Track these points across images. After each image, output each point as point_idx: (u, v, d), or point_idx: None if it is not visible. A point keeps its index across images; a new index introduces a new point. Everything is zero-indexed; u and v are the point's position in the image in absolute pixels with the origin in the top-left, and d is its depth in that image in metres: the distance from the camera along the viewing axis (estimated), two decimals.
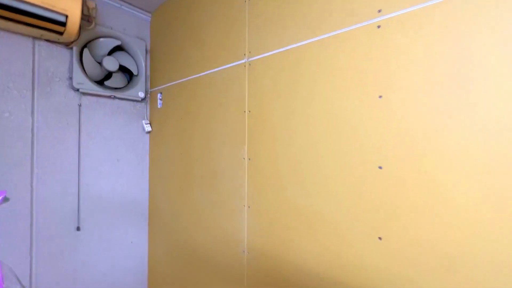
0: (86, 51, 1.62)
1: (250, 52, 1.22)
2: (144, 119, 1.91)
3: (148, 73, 1.94)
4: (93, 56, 1.65)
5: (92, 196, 1.66)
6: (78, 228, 1.60)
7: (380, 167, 0.81)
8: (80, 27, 1.53)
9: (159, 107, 1.85)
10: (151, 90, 1.93)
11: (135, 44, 1.83)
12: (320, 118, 0.97)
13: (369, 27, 0.84)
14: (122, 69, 1.81)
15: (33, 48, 1.47)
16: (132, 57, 1.85)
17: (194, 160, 1.52)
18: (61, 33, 1.42)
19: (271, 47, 1.13)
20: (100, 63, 1.70)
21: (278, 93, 1.11)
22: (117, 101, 1.79)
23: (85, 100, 1.65)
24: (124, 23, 1.82)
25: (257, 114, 1.19)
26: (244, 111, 1.24)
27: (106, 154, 1.73)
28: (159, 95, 1.85)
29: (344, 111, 0.90)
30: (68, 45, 1.55)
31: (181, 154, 1.62)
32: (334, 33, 0.92)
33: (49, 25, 1.35)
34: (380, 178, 0.81)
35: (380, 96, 0.82)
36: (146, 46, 1.90)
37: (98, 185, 1.69)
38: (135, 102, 1.88)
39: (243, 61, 1.25)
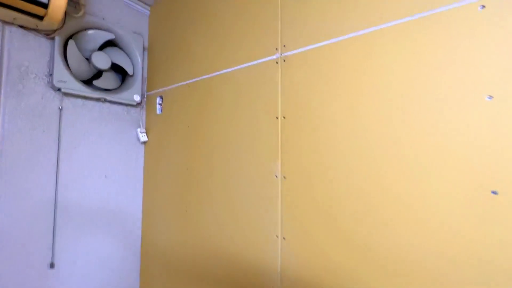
0: (71, 44, 1.33)
1: (284, 46, 1.00)
2: (139, 127, 1.62)
3: (145, 73, 1.67)
4: (80, 50, 1.37)
5: (72, 223, 1.32)
6: (51, 265, 1.25)
7: (494, 192, 0.60)
8: (66, 14, 1.25)
9: (158, 113, 1.57)
10: (148, 93, 1.65)
11: (131, 40, 1.56)
12: (394, 126, 0.75)
13: (470, 8, 0.65)
14: (115, 68, 1.53)
15: (2, 35, 1.17)
16: (126, 54, 1.58)
17: (206, 178, 1.24)
18: (40, 18, 1.13)
19: (315, 39, 0.92)
20: (88, 59, 1.41)
21: (324, 95, 0.89)
22: (107, 105, 1.49)
23: (68, 102, 1.34)
24: (119, 15, 1.55)
25: (295, 120, 0.95)
26: (277, 117, 1.00)
27: (91, 169, 1.41)
28: (158, 99, 1.57)
29: (437, 115, 0.69)
30: (49, 34, 1.25)
31: (187, 169, 1.34)
32: (423, 14, 0.71)
33: (26, 5, 1.06)
34: (495, 206, 0.59)
35: (490, 97, 0.61)
36: (143, 42, 1.63)
37: (80, 209, 1.35)
38: (129, 107, 1.58)
39: (274, 56, 1.03)
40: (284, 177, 0.97)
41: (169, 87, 1.50)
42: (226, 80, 1.19)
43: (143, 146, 1.64)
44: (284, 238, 0.95)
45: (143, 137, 1.60)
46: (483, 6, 0.63)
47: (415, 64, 0.73)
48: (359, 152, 0.80)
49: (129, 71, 1.55)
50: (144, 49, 1.65)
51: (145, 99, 1.66)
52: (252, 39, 1.10)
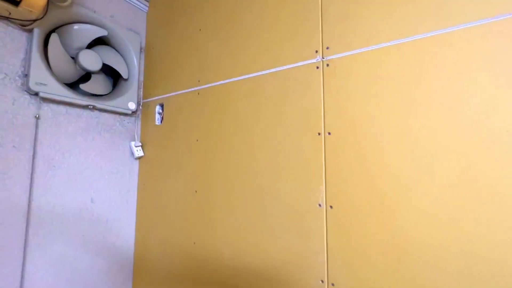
0: (54, 38, 1.08)
1: (328, 47, 0.84)
2: (133, 139, 1.38)
3: (142, 78, 1.44)
4: (64, 47, 1.12)
5: (47, 263, 1.04)
6: None
7: None
8: (49, 1, 1.01)
9: (157, 123, 1.34)
10: (145, 100, 1.41)
11: (126, 38, 1.34)
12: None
13: None
14: (106, 70, 1.29)
15: None
16: (120, 54, 1.35)
17: (222, 204, 1.03)
18: (15, 3, 0.89)
19: (369, 40, 0.76)
20: (74, 59, 1.17)
21: (380, 107, 0.73)
22: (96, 113, 1.24)
23: (47, 110, 1.08)
24: (113, 8, 1.33)
25: (343, 137, 0.78)
26: (319, 133, 0.83)
27: (74, 192, 1.14)
28: (158, 107, 1.35)
29: None
30: (26, 25, 1.01)
31: (196, 193, 1.12)
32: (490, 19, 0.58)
33: None
34: None
35: None
36: (140, 42, 1.41)
37: (58, 246, 1.08)
38: (122, 116, 1.34)
39: (313, 60, 0.86)
40: (331, 206, 0.79)
41: (172, 93, 1.28)
42: (248, 87, 1.00)
43: (137, 162, 1.39)
44: (332, 285, 0.76)
45: (138, 152, 1.35)
46: None
47: (487, 76, 0.59)
48: (419, 175, 0.64)
49: (124, 74, 1.32)
50: (141, 49, 1.42)
51: (141, 107, 1.42)
52: (284, 38, 0.93)
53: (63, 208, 1.10)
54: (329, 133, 0.81)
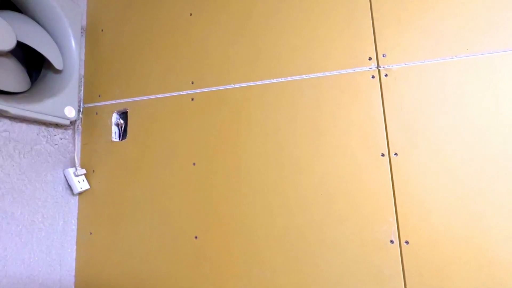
0: None
1: (385, 54, 0.72)
2: (71, 165, 0.89)
3: (83, 71, 0.97)
4: None
5: None
6: None
7: None
8: None
9: (114, 140, 0.91)
10: (89, 105, 0.95)
11: (59, 6, 0.86)
12: None
13: None
14: (18, 53, 0.79)
15: None
16: (47, 32, 0.86)
17: (245, 254, 0.74)
18: None
19: (433, 51, 0.69)
20: None
21: (453, 124, 0.66)
22: (6, 123, 0.72)
23: None
24: None
25: (414, 158, 0.68)
26: (383, 154, 0.69)
27: None
28: (115, 116, 0.92)
29: None
30: None
31: (198, 240, 0.78)
32: None
33: None
34: None
35: None
36: (81, 17, 0.95)
37: None
38: (52, 129, 0.84)
39: (366, 68, 0.73)
40: (407, 242, 0.66)
41: (144, 97, 0.90)
42: (274, 95, 0.78)
43: (76, 199, 0.90)
44: None
45: (81, 184, 0.88)
46: None
47: None
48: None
49: (56, 62, 0.84)
50: (82, 29, 0.96)
51: (81, 115, 0.94)
52: (327, 37, 0.77)
53: None
54: (396, 154, 0.69)
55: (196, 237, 0.79)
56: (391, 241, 0.67)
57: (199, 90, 0.85)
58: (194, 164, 0.82)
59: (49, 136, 0.82)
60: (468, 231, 0.63)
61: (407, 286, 0.64)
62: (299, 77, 0.77)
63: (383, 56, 0.73)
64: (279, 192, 0.74)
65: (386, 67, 0.72)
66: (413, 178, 0.67)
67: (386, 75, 0.72)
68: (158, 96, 0.89)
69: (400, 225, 0.67)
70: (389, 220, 0.67)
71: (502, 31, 0.66)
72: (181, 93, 0.86)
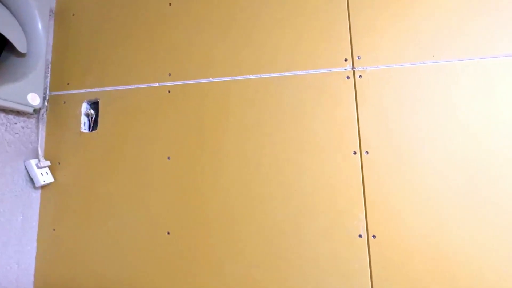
0: None
1: (360, 56, 0.75)
2: (34, 156, 0.83)
3: (50, 57, 0.90)
4: None
5: None
6: None
7: None
8: None
9: (83, 130, 0.86)
10: (56, 93, 0.89)
11: None
12: None
13: None
14: None
15: None
16: (11, 12, 0.79)
17: (224, 250, 0.74)
18: None
19: (404, 56, 0.74)
20: None
21: (422, 127, 0.71)
22: None
23: None
24: None
25: (387, 157, 0.71)
26: (355, 152, 0.72)
27: None
28: (85, 106, 0.87)
29: None
30: None
31: (169, 235, 0.76)
32: None
33: None
34: None
35: None
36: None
37: None
38: (12, 116, 0.78)
39: (343, 69, 0.76)
40: (374, 236, 0.69)
41: (117, 87, 0.86)
42: (254, 91, 0.78)
43: (39, 193, 0.84)
44: None
45: (44, 177, 0.82)
46: None
47: None
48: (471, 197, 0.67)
49: (18, 44, 0.78)
50: (51, 12, 0.90)
51: (47, 104, 0.88)
52: (307, 37, 0.78)
53: None
54: (367, 153, 0.72)
55: (168, 233, 0.77)
56: (360, 236, 0.70)
57: (176, 83, 0.83)
58: (168, 158, 0.80)
59: (8, 124, 0.76)
60: (430, 227, 0.67)
61: (373, 278, 0.68)
62: (279, 74, 0.78)
63: (358, 58, 0.76)
64: (256, 188, 0.75)
65: (361, 68, 0.75)
66: (382, 175, 0.71)
67: (360, 76, 0.75)
68: (133, 86, 0.85)
69: (369, 220, 0.70)
70: (359, 215, 0.70)
71: (466, 40, 0.72)
72: (157, 84, 0.84)
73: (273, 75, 0.78)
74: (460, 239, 0.66)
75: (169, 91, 0.83)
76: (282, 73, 0.78)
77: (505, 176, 0.66)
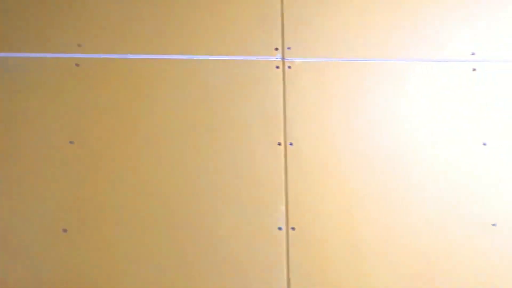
0: None
1: (290, 47, 0.74)
2: None
3: None
4: None
5: None
6: None
7: None
8: None
9: None
10: None
11: None
12: None
13: None
14: None
15: None
16: None
17: (131, 248, 0.65)
18: None
19: (333, 52, 0.74)
20: None
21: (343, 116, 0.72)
22: None
23: None
24: None
25: (311, 149, 0.71)
26: (279, 143, 0.70)
27: None
28: None
29: None
30: None
31: (67, 232, 0.65)
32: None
33: None
34: None
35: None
36: None
37: None
38: None
39: (273, 58, 0.73)
40: (293, 228, 0.68)
41: (10, 54, 0.70)
42: (178, 72, 0.71)
43: None
44: None
45: None
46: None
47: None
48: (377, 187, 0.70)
49: None
50: None
51: None
52: (239, 23, 0.74)
53: None
54: (292, 144, 0.70)
55: (65, 230, 0.65)
56: (279, 228, 0.68)
57: (87, 55, 0.71)
58: (71, 142, 0.68)
59: None
60: (349, 220, 0.68)
61: (290, 270, 0.66)
62: (206, 57, 0.72)
63: (288, 48, 0.74)
64: (171, 179, 0.68)
65: (290, 59, 0.73)
66: (305, 167, 0.70)
67: (289, 67, 0.73)
68: (32, 55, 0.71)
69: (290, 212, 0.68)
70: (280, 207, 0.68)
71: (391, 42, 0.75)
72: (63, 55, 0.71)
73: (199, 57, 0.72)
74: (377, 232, 0.68)
75: (77, 65, 0.70)
76: (210, 56, 0.72)
77: (419, 172, 0.71)
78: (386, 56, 0.74)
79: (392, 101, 0.73)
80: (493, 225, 0.70)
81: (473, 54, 0.75)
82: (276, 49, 0.74)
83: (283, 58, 0.73)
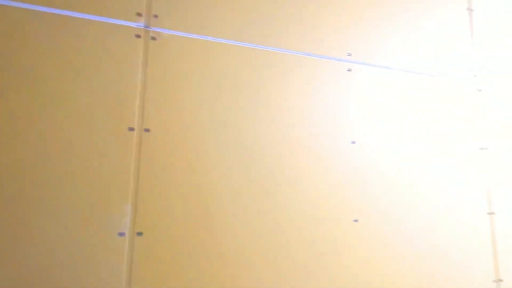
0: None
1: (156, 16, 0.62)
2: None
3: None
4: None
5: None
6: None
7: None
8: None
9: None
10: None
11: None
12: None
13: None
14: None
15: None
16: None
17: None
18: None
19: (206, 28, 0.65)
20: None
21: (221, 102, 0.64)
22: None
23: None
24: None
25: (172, 138, 0.60)
26: (132, 129, 0.57)
27: None
28: None
29: None
30: None
31: None
32: None
33: None
34: None
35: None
36: None
37: None
38: None
39: (132, 24, 0.60)
40: (140, 233, 0.56)
41: None
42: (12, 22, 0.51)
43: None
44: None
45: None
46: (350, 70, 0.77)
47: None
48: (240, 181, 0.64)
49: None
50: None
51: None
52: None
53: None
54: (148, 130, 0.58)
55: None
56: (121, 234, 0.55)
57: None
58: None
59: None
60: (205, 224, 0.60)
61: (132, 284, 0.54)
62: (51, 10, 0.54)
63: (155, 17, 0.62)
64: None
65: (156, 29, 0.62)
66: (163, 159, 0.59)
67: (154, 38, 0.61)
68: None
69: (137, 213, 0.56)
70: (125, 207, 0.55)
71: (274, 31, 0.70)
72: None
73: (42, 9, 0.54)
74: (234, 237, 0.61)
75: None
76: (56, 9, 0.55)
77: (277, 171, 0.67)
78: (267, 44, 0.70)
79: (265, 89, 0.68)
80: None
81: (349, 55, 0.77)
82: (139, 14, 0.61)
83: (147, 26, 0.61)
